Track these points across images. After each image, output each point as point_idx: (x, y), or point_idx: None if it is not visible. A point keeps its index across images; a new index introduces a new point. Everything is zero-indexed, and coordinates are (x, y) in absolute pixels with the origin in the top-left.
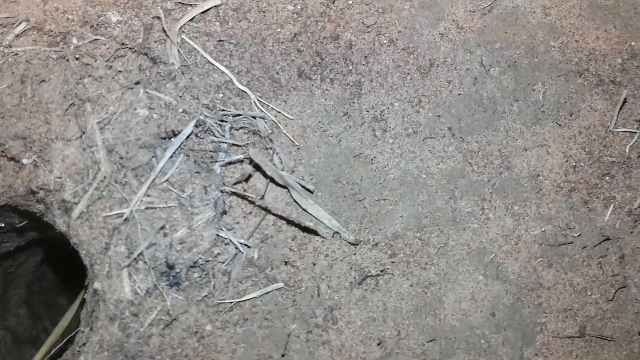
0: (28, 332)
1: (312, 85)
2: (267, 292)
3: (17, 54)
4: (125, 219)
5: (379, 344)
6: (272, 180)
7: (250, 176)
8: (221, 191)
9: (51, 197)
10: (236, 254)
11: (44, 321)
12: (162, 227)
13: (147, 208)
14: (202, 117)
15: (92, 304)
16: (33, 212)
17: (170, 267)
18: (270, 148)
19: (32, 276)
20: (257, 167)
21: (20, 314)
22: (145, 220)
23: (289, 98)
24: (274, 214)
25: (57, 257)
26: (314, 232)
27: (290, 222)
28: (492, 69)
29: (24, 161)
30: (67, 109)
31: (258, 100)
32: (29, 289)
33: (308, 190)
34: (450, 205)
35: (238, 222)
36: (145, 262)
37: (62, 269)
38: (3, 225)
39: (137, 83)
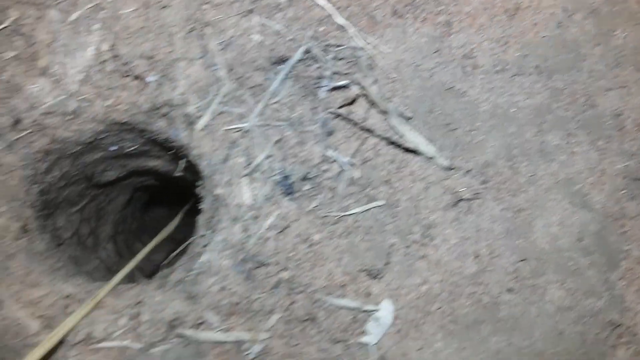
0: (115, 265)
1: (405, 23)
2: (369, 209)
3: None
4: (245, 133)
5: (476, 257)
6: (373, 104)
7: (354, 100)
8: (330, 112)
9: (175, 112)
10: (340, 172)
11: (126, 260)
12: (278, 141)
13: (262, 124)
14: (308, 46)
15: (211, 210)
16: (151, 130)
17: (285, 177)
18: (371, 76)
19: (119, 215)
20: (360, 94)
21: (108, 249)
22: (261, 135)
23: (385, 34)
24: (376, 135)
25: (139, 201)
26: (413, 153)
27: (391, 143)
28: (575, 15)
29: (148, 79)
30: (188, 32)
31: (357, 33)
32: (115, 227)
33: (406, 117)
34: (539, 138)
35: (341, 144)
36: (262, 172)
37: (140, 216)
38: (116, 148)
39: (250, 11)
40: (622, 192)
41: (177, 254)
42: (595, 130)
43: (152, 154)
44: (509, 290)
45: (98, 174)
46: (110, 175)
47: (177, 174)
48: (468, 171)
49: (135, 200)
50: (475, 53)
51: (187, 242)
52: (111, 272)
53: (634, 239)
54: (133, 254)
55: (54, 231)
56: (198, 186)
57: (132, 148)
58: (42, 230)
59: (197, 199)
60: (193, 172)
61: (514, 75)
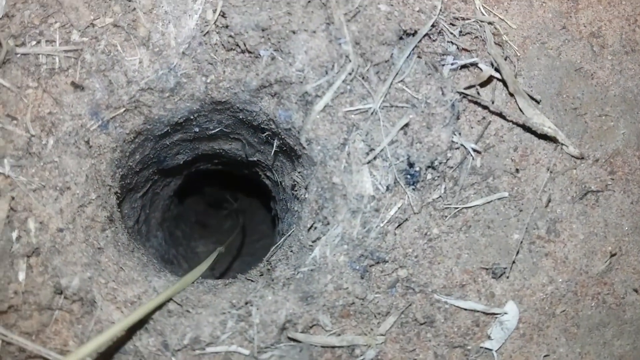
0: (166, 254)
1: None
2: (490, 201)
3: None
4: (368, 115)
5: (612, 255)
6: (504, 84)
7: (490, 79)
8: (456, 93)
9: (289, 91)
10: (464, 160)
11: (171, 248)
12: (406, 125)
13: (386, 106)
14: (437, 18)
15: (321, 201)
16: (250, 111)
17: (411, 165)
18: (502, 53)
19: (168, 201)
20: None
21: (159, 236)
22: (385, 118)
23: (510, 7)
24: (507, 119)
25: (185, 187)
26: (541, 139)
27: (523, 128)
28: None
29: (262, 53)
30: (310, 1)
31: (483, 6)
32: (163, 214)
33: (534, 99)
34: None
35: (464, 128)
36: (385, 159)
37: (179, 202)
38: (197, 130)
39: None
40: None
41: (276, 247)
42: None
43: (232, 137)
44: (636, 291)
45: (170, 157)
46: (180, 158)
47: (256, 158)
48: (596, 160)
49: (184, 185)
50: (603, 31)
51: (287, 234)
52: (165, 261)
53: None
54: (175, 242)
55: (122, 219)
56: (299, 172)
57: (216, 130)
58: (122, 220)
59: (268, 187)
60: (287, 157)
61: None
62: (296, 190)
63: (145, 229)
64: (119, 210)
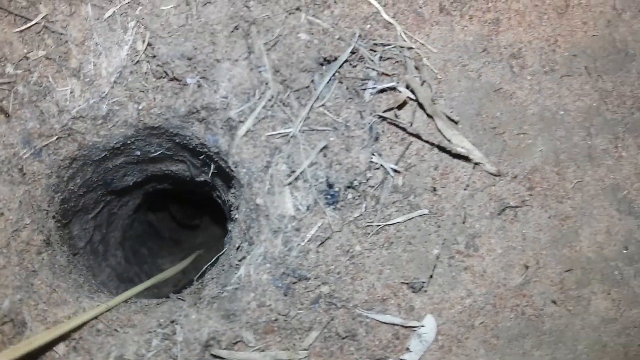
0: (126, 273)
1: (452, 20)
2: (412, 218)
3: None
4: (289, 139)
5: (527, 268)
6: (421, 107)
7: (405, 103)
8: (377, 116)
9: (215, 116)
10: (384, 179)
11: (134, 266)
12: (324, 148)
13: (307, 129)
14: (356, 45)
15: (248, 221)
16: (184, 135)
17: (330, 185)
18: (420, 77)
19: (128, 220)
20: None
21: (118, 255)
22: (306, 141)
23: (432, 32)
24: (424, 140)
25: (149, 205)
26: (459, 159)
27: (440, 149)
28: (624, 13)
29: (188, 81)
30: (232, 31)
31: (404, 32)
32: (123, 233)
33: (453, 120)
34: (587, 142)
35: (384, 150)
36: (306, 181)
37: (145, 219)
38: (139, 153)
39: (297, 9)
40: None
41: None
42: None
43: (176, 158)
44: (554, 302)
45: (117, 179)
46: (129, 180)
47: (203, 179)
48: (514, 177)
49: (145, 204)
50: (523, 52)
51: (219, 254)
52: (123, 280)
53: None
54: (139, 260)
55: (70, 240)
56: (232, 193)
57: (158, 152)
58: (62, 242)
59: (220, 205)
60: (223, 178)
61: (563, 76)
62: (231, 211)
63: (102, 249)
64: (64, 232)
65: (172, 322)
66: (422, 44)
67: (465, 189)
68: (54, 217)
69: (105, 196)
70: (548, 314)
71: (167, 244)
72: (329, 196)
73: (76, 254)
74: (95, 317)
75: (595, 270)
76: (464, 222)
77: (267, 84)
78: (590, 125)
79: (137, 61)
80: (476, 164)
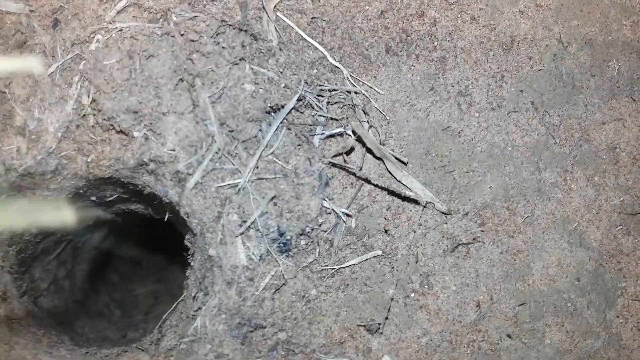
0: (95, 305)
1: (399, 61)
2: (366, 260)
3: (121, 30)
4: (238, 190)
5: (478, 306)
6: (369, 151)
7: (352, 149)
8: (326, 162)
9: (163, 169)
10: (337, 223)
11: (104, 296)
12: (273, 197)
13: (256, 179)
14: (302, 92)
15: (203, 270)
16: (136, 184)
17: (281, 234)
18: (367, 121)
19: (95, 251)
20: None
21: (86, 288)
22: (256, 191)
23: (379, 74)
24: (374, 184)
25: (115, 236)
26: (410, 201)
27: (389, 192)
28: (570, 46)
29: (135, 134)
30: (177, 84)
31: (350, 75)
32: (91, 265)
33: (402, 162)
34: (536, 177)
35: (336, 194)
36: (257, 230)
37: (115, 250)
38: (95, 198)
39: (241, 59)
40: (618, 228)
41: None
42: (591, 165)
43: (133, 200)
44: (509, 336)
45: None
46: (89, 219)
47: (161, 217)
48: (466, 214)
49: (113, 233)
50: (470, 90)
51: (178, 300)
52: (92, 313)
53: (629, 276)
54: (110, 288)
55: (32, 283)
56: (187, 239)
57: (114, 197)
58: (20, 294)
59: (181, 246)
60: (179, 223)
61: (510, 112)
62: (188, 256)
63: (68, 284)
64: (24, 278)
65: None
66: (370, 87)
67: (418, 228)
68: (9, 271)
69: (66, 236)
70: (504, 348)
71: (139, 267)
72: (281, 244)
73: (39, 296)
74: None
75: (548, 302)
76: (417, 262)
77: (213, 137)
78: (539, 160)
79: (84, 114)
80: (427, 203)
